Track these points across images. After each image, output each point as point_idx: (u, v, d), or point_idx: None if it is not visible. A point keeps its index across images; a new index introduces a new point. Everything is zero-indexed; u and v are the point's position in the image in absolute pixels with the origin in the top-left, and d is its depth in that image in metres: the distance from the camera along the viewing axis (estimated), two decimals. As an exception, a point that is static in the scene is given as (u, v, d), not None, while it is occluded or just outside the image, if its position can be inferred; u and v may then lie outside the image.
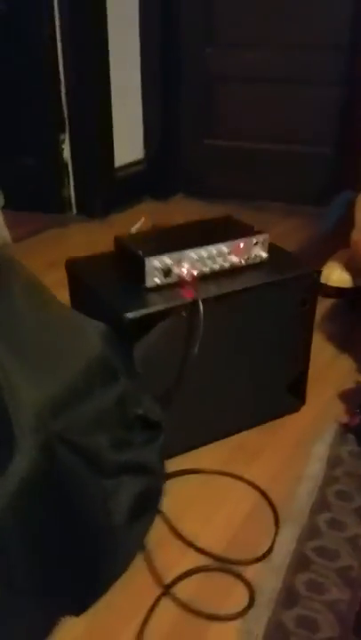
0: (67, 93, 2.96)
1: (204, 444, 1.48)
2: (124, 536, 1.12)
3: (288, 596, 1.14)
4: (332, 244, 2.17)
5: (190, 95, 3.10)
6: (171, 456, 1.41)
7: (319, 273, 1.43)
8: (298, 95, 2.90)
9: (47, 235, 2.84)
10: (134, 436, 1.12)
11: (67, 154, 3.04)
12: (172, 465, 1.41)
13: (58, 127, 3.00)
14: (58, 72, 2.92)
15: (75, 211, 3.09)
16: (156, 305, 1.27)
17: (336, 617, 1.10)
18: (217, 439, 1.50)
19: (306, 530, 1.27)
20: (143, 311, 1.25)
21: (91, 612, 1.11)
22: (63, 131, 3.01)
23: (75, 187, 3.06)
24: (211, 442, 1.49)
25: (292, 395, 1.58)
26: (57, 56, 2.90)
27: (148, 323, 1.25)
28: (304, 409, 1.60)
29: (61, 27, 2.84)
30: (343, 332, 1.98)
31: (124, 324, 1.23)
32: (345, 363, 1.83)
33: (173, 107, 3.13)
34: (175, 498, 1.33)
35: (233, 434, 1.52)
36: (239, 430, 1.52)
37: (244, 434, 1.53)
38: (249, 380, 1.46)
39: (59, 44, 2.88)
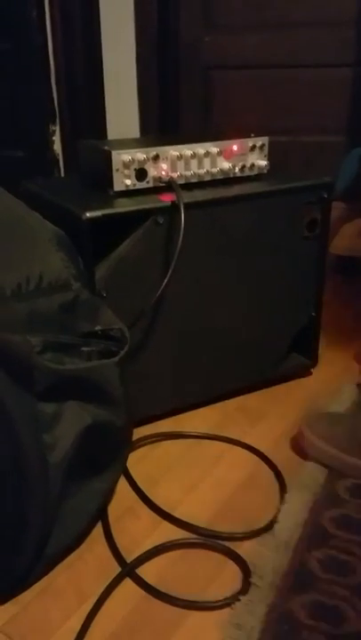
0: (57, 82, 2.76)
1: (192, 407, 1.17)
2: (69, 490, 0.81)
3: (298, 579, 0.82)
4: (344, 210, 1.89)
5: (189, 83, 2.88)
6: (150, 420, 1.11)
7: (332, 186, 1.15)
8: (304, 79, 2.67)
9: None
10: (85, 348, 0.82)
11: (57, 146, 2.83)
12: (151, 429, 1.11)
13: (48, 118, 2.79)
14: (48, 59, 2.73)
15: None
16: (123, 206, 0.99)
17: (366, 604, 0.78)
18: (207, 402, 1.19)
19: (322, 498, 0.95)
20: (105, 211, 0.97)
21: (23, 596, 0.79)
22: (54, 122, 2.80)
23: (65, 180, 2.83)
24: (200, 405, 1.18)
25: (301, 352, 1.28)
26: (46, 42, 2.71)
27: (112, 227, 0.97)
28: (316, 374, 1.30)
29: (50, 10, 2.66)
30: (359, 304, 1.68)
31: (82, 226, 0.94)
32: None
33: (171, 96, 2.92)
34: (151, 464, 1.04)
35: (228, 397, 1.21)
36: (236, 393, 1.22)
37: (243, 397, 1.22)
38: (247, 326, 1.16)
39: (48, 30, 2.69)
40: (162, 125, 2.92)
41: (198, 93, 2.92)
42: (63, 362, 0.77)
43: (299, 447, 1.04)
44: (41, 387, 0.75)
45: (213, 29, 2.78)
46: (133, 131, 2.87)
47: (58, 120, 2.79)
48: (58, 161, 2.84)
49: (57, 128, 2.81)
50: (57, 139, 2.81)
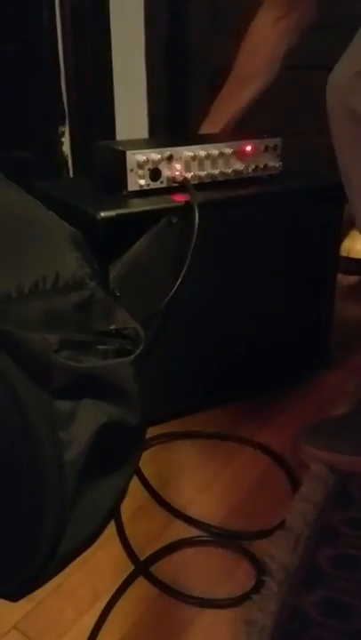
0: (67, 83, 2.76)
1: (204, 406, 1.18)
2: (83, 488, 0.81)
3: (309, 576, 0.82)
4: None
5: (198, 85, 2.89)
6: (162, 419, 1.12)
7: (342, 188, 1.15)
8: (316, 81, 2.66)
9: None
10: (101, 346, 0.82)
11: (66, 147, 2.83)
12: (163, 429, 1.11)
13: (57, 119, 2.80)
14: (57, 61, 2.73)
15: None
16: (138, 206, 1.00)
17: (377, 602, 0.78)
18: (219, 402, 1.19)
19: (333, 498, 0.95)
20: (119, 211, 0.97)
21: (37, 594, 0.80)
22: (63, 123, 2.81)
23: (74, 182, 2.83)
24: (211, 405, 1.19)
25: (312, 353, 1.28)
26: (57, 44, 2.71)
27: (126, 227, 0.98)
28: (327, 374, 1.30)
29: (61, 12, 2.67)
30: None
31: (96, 225, 0.95)
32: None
33: (180, 98, 2.92)
34: (163, 463, 1.04)
35: (240, 397, 1.21)
36: (248, 393, 1.22)
37: (255, 397, 1.23)
38: (259, 326, 1.17)
39: (58, 31, 2.70)
40: (170, 127, 2.92)
41: (207, 95, 2.91)
42: (79, 360, 0.78)
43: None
44: (58, 385, 0.76)
45: (223, 31, 2.77)
46: (142, 132, 2.87)
47: (67, 121, 2.79)
48: (67, 162, 2.85)
49: (66, 129, 2.81)
50: (66, 140, 2.82)
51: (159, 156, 1.03)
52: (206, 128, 1.25)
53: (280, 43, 1.14)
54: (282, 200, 1.11)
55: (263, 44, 1.15)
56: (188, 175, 1.06)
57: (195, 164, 1.07)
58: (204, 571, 0.84)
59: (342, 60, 0.85)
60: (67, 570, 0.84)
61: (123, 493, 0.93)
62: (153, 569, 0.84)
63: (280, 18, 1.12)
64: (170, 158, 1.04)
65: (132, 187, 1.04)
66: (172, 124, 2.93)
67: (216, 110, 1.24)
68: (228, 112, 1.22)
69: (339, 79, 0.84)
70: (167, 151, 1.04)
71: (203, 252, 1.03)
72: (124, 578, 0.82)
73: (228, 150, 1.09)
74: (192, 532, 0.90)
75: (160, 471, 1.02)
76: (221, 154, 1.08)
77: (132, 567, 0.84)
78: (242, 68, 1.20)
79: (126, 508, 0.94)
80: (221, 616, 0.78)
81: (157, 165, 1.04)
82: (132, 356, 0.81)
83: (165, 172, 1.05)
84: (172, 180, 1.05)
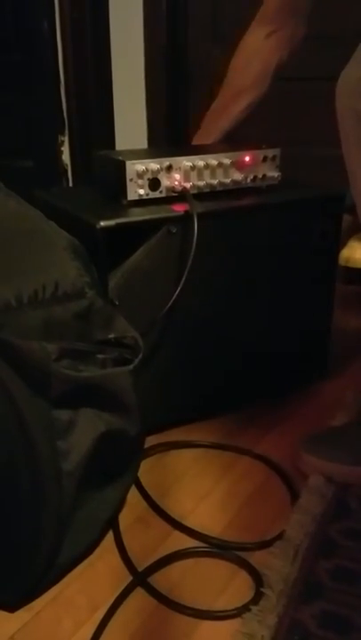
0: (66, 93, 2.78)
1: (202, 416, 1.17)
2: (81, 498, 0.81)
3: (308, 588, 0.82)
4: (352, 222, 1.89)
5: (198, 96, 2.89)
6: (160, 428, 1.12)
7: (343, 198, 1.16)
8: (316, 92, 2.67)
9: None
10: (100, 355, 0.82)
11: (66, 156, 2.84)
12: (161, 438, 1.11)
13: (57, 128, 2.81)
14: (57, 71, 2.74)
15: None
16: (137, 216, 1.00)
17: (377, 614, 0.78)
18: (218, 411, 1.19)
19: (332, 508, 0.95)
20: (119, 220, 0.97)
21: (35, 604, 0.80)
22: (63, 132, 2.82)
23: (74, 191, 2.84)
24: (210, 414, 1.18)
25: (311, 362, 1.28)
26: (57, 54, 2.73)
27: (125, 236, 0.98)
28: (326, 384, 1.30)
29: (61, 23, 2.68)
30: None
31: (96, 234, 0.95)
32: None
33: (179, 108, 2.93)
34: (161, 473, 1.04)
35: (239, 406, 1.21)
36: (247, 402, 1.22)
37: (253, 407, 1.22)
38: (258, 336, 1.16)
39: (58, 42, 2.71)
40: (170, 137, 2.93)
41: (207, 104, 2.91)
42: (79, 369, 0.78)
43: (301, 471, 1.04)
44: (57, 393, 0.76)
45: (222, 43, 2.78)
46: (141, 141, 2.88)
47: (67, 130, 2.80)
48: (66, 171, 2.85)
49: (66, 138, 2.82)
50: (66, 149, 2.82)
51: (158, 166, 1.03)
52: (198, 142, 1.26)
53: (271, 57, 1.15)
54: (281, 210, 1.12)
55: (255, 59, 1.17)
56: (188, 185, 1.06)
57: (194, 174, 1.07)
58: (202, 582, 0.84)
59: (350, 65, 0.85)
60: (64, 580, 0.84)
61: (121, 503, 0.93)
62: (151, 580, 0.84)
63: (272, 33, 1.14)
64: (169, 168, 1.05)
65: (131, 196, 1.04)
66: (171, 133, 2.93)
67: (208, 124, 1.25)
68: (220, 125, 1.23)
69: (347, 83, 0.84)
70: (166, 161, 1.04)
71: (202, 262, 1.03)
72: (122, 588, 0.82)
73: (227, 160, 1.09)
74: (191, 542, 0.90)
75: (159, 481, 1.02)
76: (220, 164, 1.09)
77: (131, 578, 0.84)
78: (234, 82, 1.21)
79: (125, 518, 0.94)
80: (220, 628, 0.77)
81: (157, 175, 1.04)
82: (130, 365, 0.81)
83: (165, 182, 1.05)
84: (172, 189, 1.06)
